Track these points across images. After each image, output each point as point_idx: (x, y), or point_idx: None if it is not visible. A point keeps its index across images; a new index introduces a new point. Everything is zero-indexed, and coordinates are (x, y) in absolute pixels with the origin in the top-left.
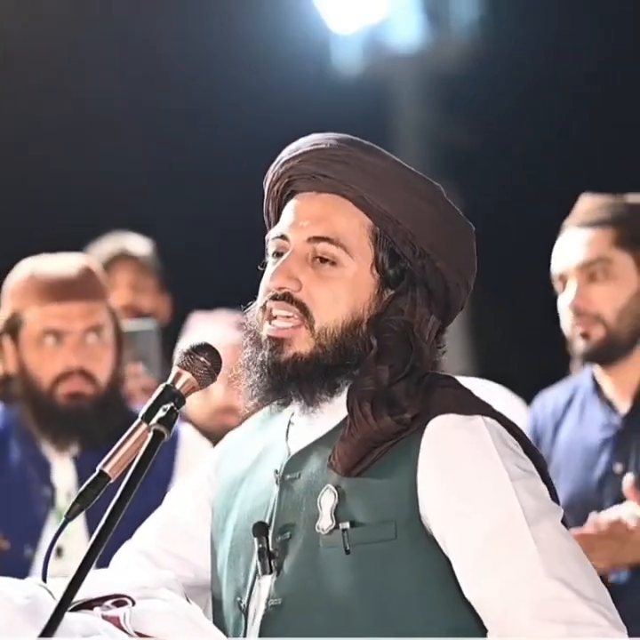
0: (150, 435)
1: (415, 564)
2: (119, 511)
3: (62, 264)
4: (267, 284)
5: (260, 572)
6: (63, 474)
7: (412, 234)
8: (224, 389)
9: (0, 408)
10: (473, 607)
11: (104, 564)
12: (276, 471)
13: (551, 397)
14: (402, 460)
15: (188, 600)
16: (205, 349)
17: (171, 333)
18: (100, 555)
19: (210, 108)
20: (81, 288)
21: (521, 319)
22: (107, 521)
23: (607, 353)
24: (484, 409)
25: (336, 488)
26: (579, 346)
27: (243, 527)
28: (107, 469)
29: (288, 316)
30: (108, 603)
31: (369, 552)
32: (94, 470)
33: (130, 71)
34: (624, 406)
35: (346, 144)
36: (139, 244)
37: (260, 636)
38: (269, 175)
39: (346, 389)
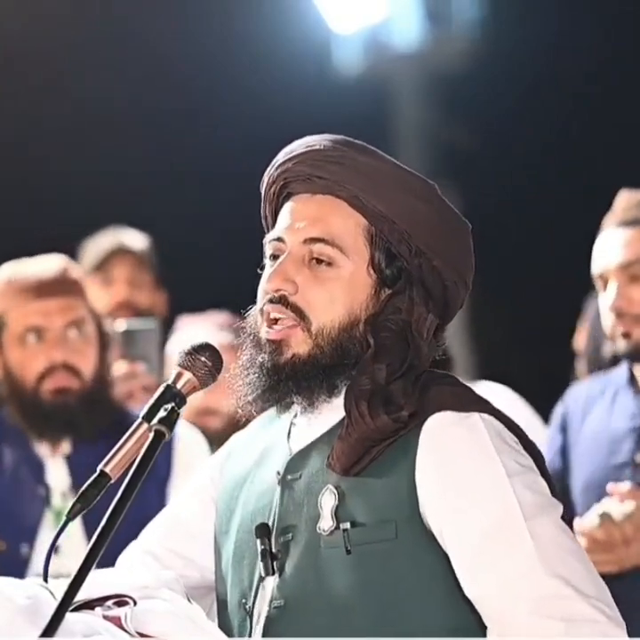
0: (151, 435)
1: (416, 563)
2: (120, 511)
3: (40, 265)
4: (264, 287)
5: (263, 574)
6: (57, 473)
7: (408, 233)
8: (204, 391)
9: None
10: (474, 606)
11: (105, 564)
12: (278, 472)
13: (584, 388)
14: (400, 458)
15: (189, 600)
16: (206, 349)
17: (169, 332)
18: (100, 555)
19: (210, 108)
20: (58, 285)
21: (521, 319)
22: (108, 521)
23: None
24: (481, 406)
25: (336, 488)
26: (620, 345)
27: (246, 529)
28: (107, 469)
29: (284, 319)
30: (110, 603)
31: (370, 552)
32: (87, 468)
33: (130, 71)
34: None
35: (340, 145)
36: (136, 239)
37: (264, 636)
38: (265, 178)
39: (344, 389)
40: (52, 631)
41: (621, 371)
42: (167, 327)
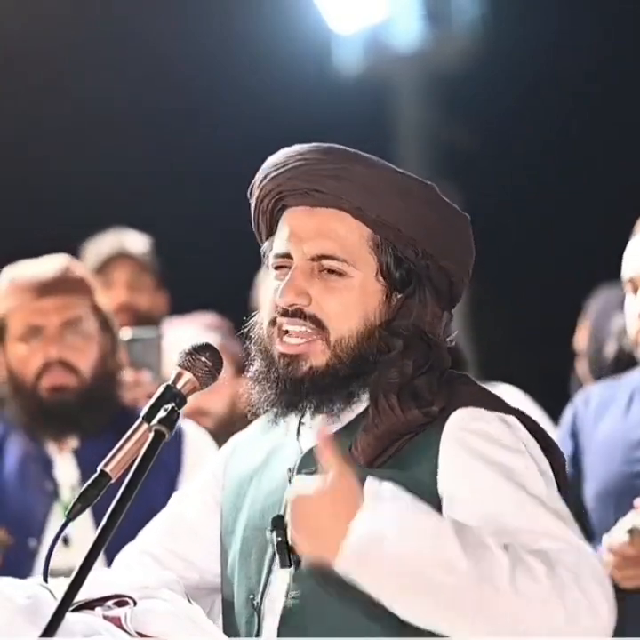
0: (151, 435)
1: None
2: (120, 511)
3: (41, 266)
4: (275, 300)
5: (278, 566)
6: (65, 468)
7: (413, 238)
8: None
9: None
10: None
11: (106, 564)
12: (290, 469)
13: (595, 392)
14: (422, 452)
15: (189, 600)
16: (206, 349)
17: None
18: (100, 555)
19: (210, 108)
20: (57, 285)
21: (521, 319)
22: (108, 521)
23: None
24: (504, 406)
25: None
26: None
27: (254, 526)
28: (108, 469)
29: (302, 332)
30: (110, 603)
31: None
32: (95, 463)
33: (130, 71)
34: None
35: (333, 156)
36: (137, 242)
37: (280, 629)
38: (256, 190)
39: (361, 397)
40: (52, 631)
41: (636, 375)
42: None
